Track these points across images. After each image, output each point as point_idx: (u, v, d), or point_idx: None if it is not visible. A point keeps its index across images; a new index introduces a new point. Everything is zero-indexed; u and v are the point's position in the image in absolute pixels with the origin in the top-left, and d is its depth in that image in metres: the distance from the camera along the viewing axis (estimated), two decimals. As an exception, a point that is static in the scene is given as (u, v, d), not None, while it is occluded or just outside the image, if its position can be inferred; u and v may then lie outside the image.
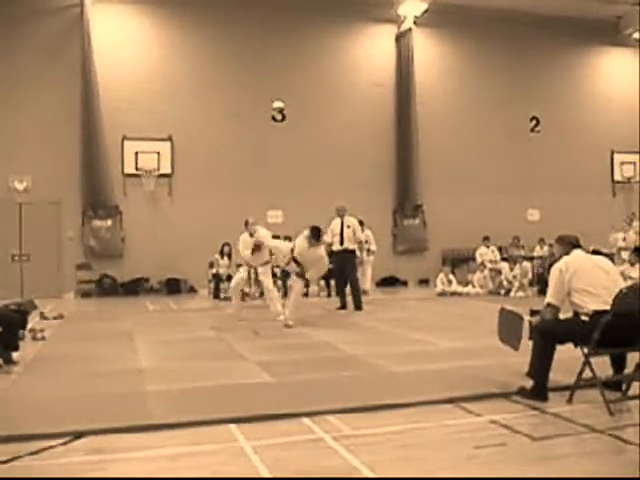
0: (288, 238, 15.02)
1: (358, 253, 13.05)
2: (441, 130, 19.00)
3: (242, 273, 10.86)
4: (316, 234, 9.65)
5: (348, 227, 12.01)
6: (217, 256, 15.32)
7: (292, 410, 4.77)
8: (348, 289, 12.08)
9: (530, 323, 5.20)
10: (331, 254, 11.97)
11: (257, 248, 10.59)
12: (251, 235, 10.70)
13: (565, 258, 5.23)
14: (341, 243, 11.93)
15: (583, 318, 4.94)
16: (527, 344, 5.19)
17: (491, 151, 19.40)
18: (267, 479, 3.50)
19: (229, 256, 15.17)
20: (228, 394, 5.43)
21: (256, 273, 10.72)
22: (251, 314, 10.97)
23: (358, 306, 11.74)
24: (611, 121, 20.57)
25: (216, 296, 14.91)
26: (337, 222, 12.11)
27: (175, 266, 16.64)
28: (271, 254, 10.76)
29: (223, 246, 15.18)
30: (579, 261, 5.16)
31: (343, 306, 11.90)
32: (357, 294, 11.91)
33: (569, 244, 5.39)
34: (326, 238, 11.98)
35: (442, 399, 5.04)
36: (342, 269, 12.00)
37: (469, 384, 5.48)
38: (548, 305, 5.11)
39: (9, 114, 16.00)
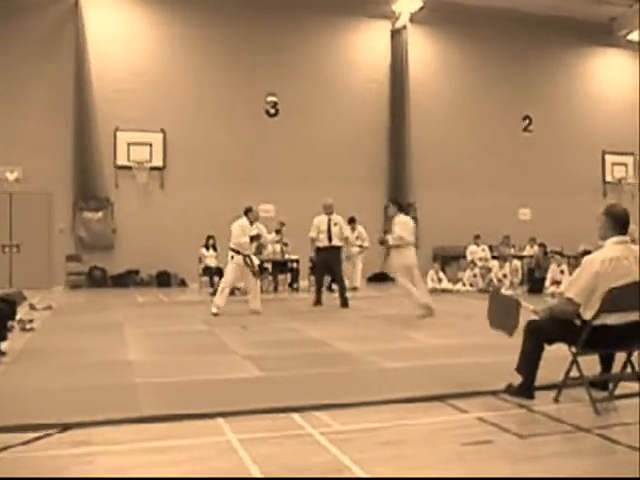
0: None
1: (345, 249, 13.14)
2: (434, 127, 19.04)
3: (237, 269, 10.48)
4: (401, 206, 10.80)
5: (335, 225, 12.02)
6: (203, 250, 15.33)
7: (281, 405, 4.77)
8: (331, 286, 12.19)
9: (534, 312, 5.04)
10: (317, 250, 12.12)
11: (257, 238, 10.46)
12: (251, 223, 10.54)
13: (606, 254, 4.72)
14: (329, 240, 11.98)
15: (576, 322, 4.82)
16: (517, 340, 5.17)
17: (484, 149, 19.46)
18: (255, 478, 3.50)
19: (214, 248, 15.18)
20: (217, 388, 5.43)
21: (251, 262, 10.50)
22: (240, 308, 10.94)
23: (345, 303, 11.77)
24: (603, 122, 20.67)
25: (211, 286, 14.90)
26: (323, 219, 12.06)
27: (166, 259, 16.62)
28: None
29: (208, 239, 15.23)
30: (612, 264, 4.65)
31: (318, 301, 11.95)
32: (343, 291, 11.98)
33: (620, 225, 4.80)
34: (311, 234, 12.12)
35: (430, 396, 5.05)
36: (328, 265, 12.08)
37: (457, 381, 5.50)
38: (569, 300, 4.73)
39: (1, 104, 15.92)
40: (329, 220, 12.02)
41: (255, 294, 10.73)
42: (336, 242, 12.02)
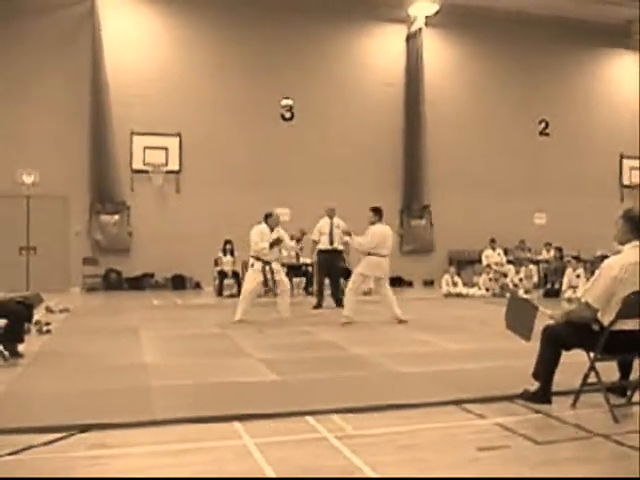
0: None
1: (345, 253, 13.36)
2: (450, 131, 18.98)
3: (257, 277, 9.99)
4: (379, 212, 10.20)
5: (337, 227, 12.22)
6: (220, 254, 15.30)
7: (296, 409, 4.77)
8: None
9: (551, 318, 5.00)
10: (319, 252, 12.40)
11: (277, 242, 10.01)
12: (272, 229, 10.13)
13: (625, 259, 4.65)
14: (331, 243, 12.26)
15: (594, 327, 4.75)
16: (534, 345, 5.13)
17: (499, 153, 19.37)
18: (270, 479, 3.50)
19: (232, 253, 15.14)
20: (232, 391, 5.44)
21: (272, 271, 10.02)
22: (256, 312, 10.93)
23: (340, 303, 11.94)
24: (621, 125, 20.50)
25: (220, 293, 14.91)
26: (326, 222, 12.38)
27: (181, 262, 16.67)
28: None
29: (225, 243, 15.18)
30: (631, 269, 4.59)
31: (319, 304, 12.21)
32: (337, 292, 12.31)
33: (638, 229, 4.68)
34: (313, 237, 12.47)
35: (446, 401, 5.03)
36: (330, 268, 12.38)
37: (473, 386, 5.47)
38: (587, 305, 4.68)
39: (19, 107, 16.06)
40: (331, 223, 12.29)
41: (287, 301, 10.31)
42: (338, 246, 12.31)
